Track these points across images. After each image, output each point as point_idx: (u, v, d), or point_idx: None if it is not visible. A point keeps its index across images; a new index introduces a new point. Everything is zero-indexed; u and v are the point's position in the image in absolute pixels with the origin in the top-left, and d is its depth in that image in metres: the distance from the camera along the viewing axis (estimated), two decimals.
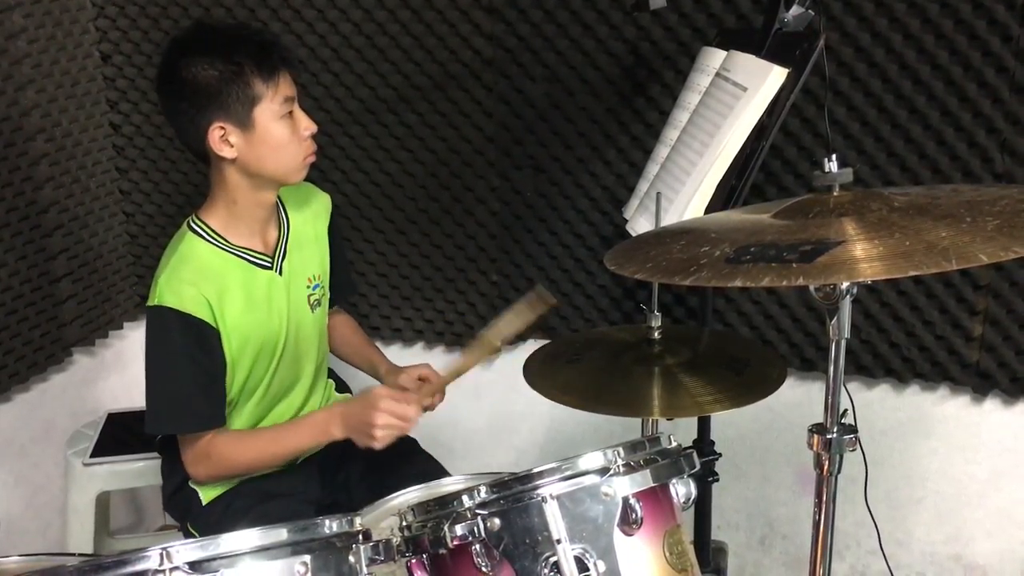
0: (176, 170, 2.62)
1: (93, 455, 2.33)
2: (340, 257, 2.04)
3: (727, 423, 2.23)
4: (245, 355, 1.79)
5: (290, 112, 1.73)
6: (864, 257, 1.11)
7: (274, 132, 1.71)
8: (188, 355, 1.72)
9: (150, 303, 1.73)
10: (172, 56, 1.71)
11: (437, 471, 1.90)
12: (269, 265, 1.83)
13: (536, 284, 1.85)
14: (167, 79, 1.71)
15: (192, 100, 1.68)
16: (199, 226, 1.78)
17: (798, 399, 2.31)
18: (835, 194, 1.29)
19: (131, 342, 2.72)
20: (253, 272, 1.81)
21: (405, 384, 1.92)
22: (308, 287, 1.91)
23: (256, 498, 1.85)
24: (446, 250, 2.50)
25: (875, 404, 2.29)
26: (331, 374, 2.10)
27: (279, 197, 1.88)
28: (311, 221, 1.94)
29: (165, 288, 1.71)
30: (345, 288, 2.09)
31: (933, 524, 2.34)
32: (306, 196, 1.96)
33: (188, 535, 1.90)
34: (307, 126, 1.75)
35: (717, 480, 2.04)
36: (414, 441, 1.99)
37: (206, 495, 1.87)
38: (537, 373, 1.77)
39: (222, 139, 1.69)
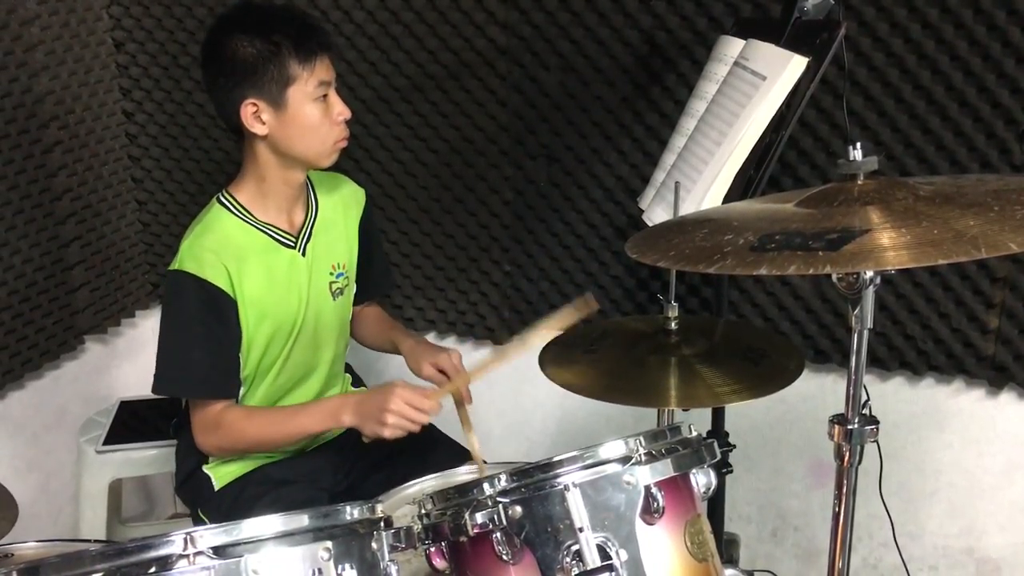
0: (188, 158, 2.62)
1: (106, 442, 2.34)
2: (376, 252, 2.05)
3: (740, 414, 2.21)
4: (261, 331, 1.80)
5: (325, 96, 1.74)
6: (891, 245, 1.11)
7: (306, 113, 1.73)
8: (202, 320, 1.74)
9: (170, 267, 1.75)
10: (216, 31, 1.75)
11: (461, 456, 1.89)
12: (292, 244, 1.84)
13: (586, 292, 1.83)
14: (209, 53, 1.75)
15: (229, 75, 1.71)
16: (227, 199, 1.81)
17: (812, 391, 2.31)
18: (860, 182, 1.28)
19: (143, 330, 2.72)
20: (276, 248, 1.82)
21: (428, 375, 1.90)
22: (332, 273, 1.91)
23: (268, 485, 1.85)
24: (459, 239, 2.50)
25: (889, 397, 2.28)
26: (348, 368, 2.10)
27: (310, 182, 1.90)
28: (341, 211, 1.95)
29: (187, 254, 1.74)
30: (380, 284, 2.10)
31: (946, 517, 2.34)
32: (338, 186, 1.98)
33: (198, 521, 1.91)
34: (341, 111, 1.77)
35: (731, 471, 2.03)
36: (433, 427, 1.98)
37: (219, 481, 1.87)
38: (553, 363, 1.76)
39: (254, 115, 1.72)
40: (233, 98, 1.71)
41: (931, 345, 2.20)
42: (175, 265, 1.75)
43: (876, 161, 1.29)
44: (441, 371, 1.88)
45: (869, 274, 1.26)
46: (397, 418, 1.69)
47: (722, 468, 1.99)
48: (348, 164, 2.47)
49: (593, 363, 1.76)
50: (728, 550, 2.38)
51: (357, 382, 2.13)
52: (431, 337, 2.62)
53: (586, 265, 2.42)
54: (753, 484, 2.49)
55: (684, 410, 1.88)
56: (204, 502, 1.89)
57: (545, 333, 1.73)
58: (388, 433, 1.70)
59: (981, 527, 2.32)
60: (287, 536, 1.13)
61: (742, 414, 2.24)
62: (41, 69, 2.30)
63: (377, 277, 2.07)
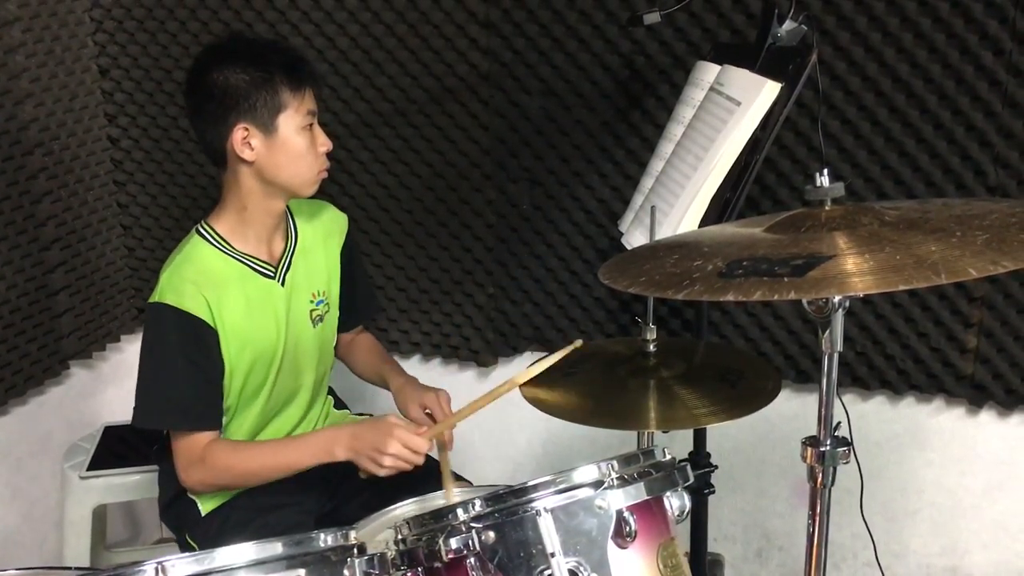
0: (173, 183, 2.63)
1: (90, 468, 2.34)
2: (359, 278, 2.07)
3: (723, 435, 2.23)
4: (242, 361, 1.80)
5: (310, 126, 1.78)
6: (855, 271, 1.12)
7: (294, 141, 1.75)
8: (183, 352, 1.74)
9: (151, 300, 1.76)
10: (205, 60, 1.77)
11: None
12: (272, 275, 1.85)
13: (577, 340, 1.85)
14: (197, 80, 1.76)
15: (220, 101, 1.73)
16: (206, 231, 1.82)
17: (794, 411, 2.32)
18: (827, 208, 1.30)
19: (128, 355, 2.72)
20: (255, 279, 1.83)
21: (415, 417, 1.90)
22: (311, 302, 1.92)
23: (256, 510, 1.85)
24: (442, 262, 2.51)
25: (870, 416, 2.29)
26: (329, 391, 2.11)
27: (290, 210, 1.92)
28: (322, 238, 1.96)
29: (166, 286, 1.74)
30: (365, 309, 2.12)
31: (929, 536, 2.35)
32: (319, 213, 1.99)
33: (185, 546, 1.91)
34: (324, 143, 1.80)
35: (713, 492, 2.03)
36: None
37: (205, 506, 1.87)
38: (533, 386, 1.77)
39: (244, 141, 1.74)
40: (224, 123, 1.73)
41: (911, 364, 2.21)
42: (155, 297, 1.75)
43: (843, 187, 1.31)
44: (428, 412, 1.89)
45: (838, 298, 1.27)
46: (394, 460, 1.71)
47: (704, 489, 2.00)
48: (332, 188, 2.49)
49: (573, 386, 1.77)
50: (712, 571, 2.39)
51: (339, 404, 2.13)
52: (416, 360, 2.63)
53: (568, 287, 2.44)
54: (737, 504, 2.49)
55: (664, 432, 1.89)
56: (191, 527, 1.88)
57: (531, 374, 1.75)
58: (384, 473, 1.73)
59: (964, 546, 2.32)
60: (260, 564, 1.13)
61: (725, 434, 2.26)
62: (26, 96, 2.31)
63: (361, 302, 2.08)
